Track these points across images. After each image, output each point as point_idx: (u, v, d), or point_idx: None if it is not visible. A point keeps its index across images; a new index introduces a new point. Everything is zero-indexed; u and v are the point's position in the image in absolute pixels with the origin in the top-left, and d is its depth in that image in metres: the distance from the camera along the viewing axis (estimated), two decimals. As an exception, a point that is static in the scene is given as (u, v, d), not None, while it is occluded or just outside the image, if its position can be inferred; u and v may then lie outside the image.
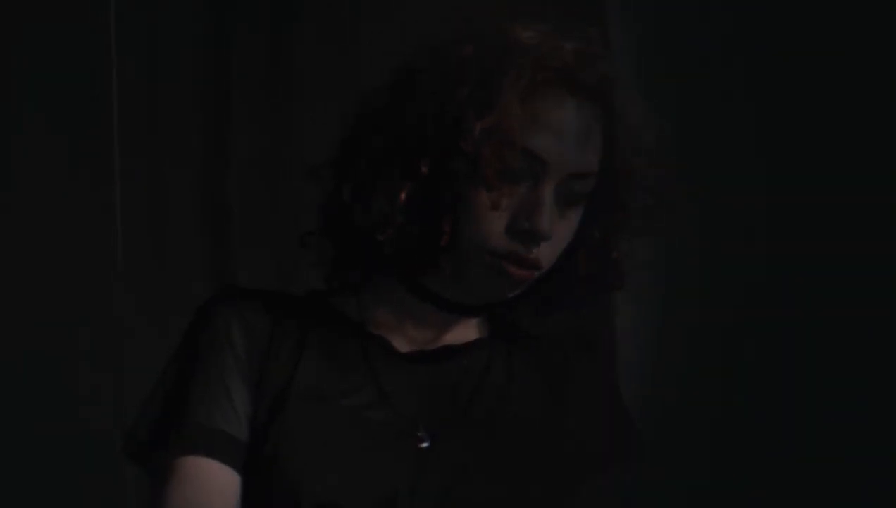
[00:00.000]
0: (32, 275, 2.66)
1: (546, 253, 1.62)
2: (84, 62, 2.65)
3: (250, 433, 1.62)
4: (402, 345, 1.69)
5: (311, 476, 1.58)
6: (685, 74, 2.10)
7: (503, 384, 1.72)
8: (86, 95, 2.65)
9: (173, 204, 2.75)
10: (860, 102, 2.17)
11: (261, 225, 2.70)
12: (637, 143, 1.64)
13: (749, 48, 2.14)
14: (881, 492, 2.10)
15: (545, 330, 1.75)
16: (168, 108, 2.73)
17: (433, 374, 1.69)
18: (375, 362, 1.67)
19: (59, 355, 2.65)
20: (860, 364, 2.13)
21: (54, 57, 2.65)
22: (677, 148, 1.70)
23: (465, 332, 1.73)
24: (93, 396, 2.64)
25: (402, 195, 1.60)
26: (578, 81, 1.60)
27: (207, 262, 2.74)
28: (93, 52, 2.65)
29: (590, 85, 1.61)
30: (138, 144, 2.72)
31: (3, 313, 2.65)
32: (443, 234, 1.60)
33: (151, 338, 2.53)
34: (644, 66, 2.05)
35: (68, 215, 2.66)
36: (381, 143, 1.62)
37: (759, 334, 2.14)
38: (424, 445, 1.64)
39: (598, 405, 1.75)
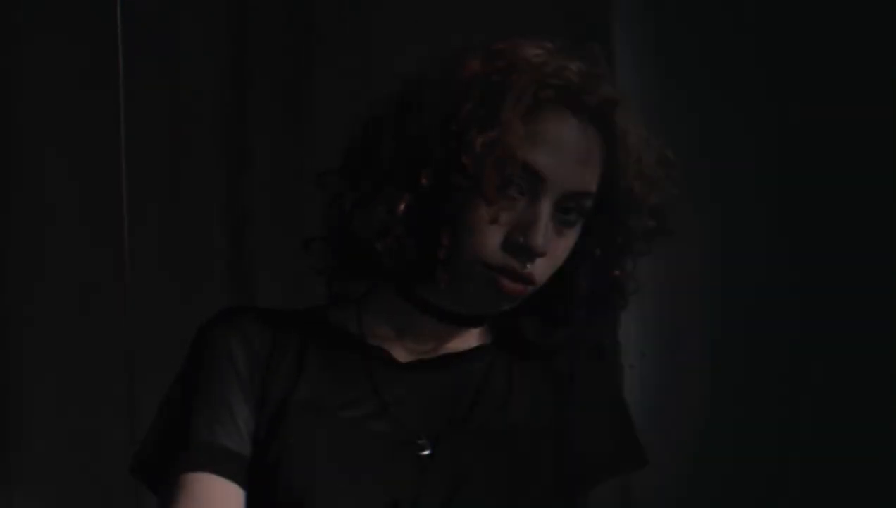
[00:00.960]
0: (45, 279, 2.67)
1: (540, 269, 1.64)
2: (97, 67, 2.67)
3: (253, 448, 1.65)
4: (401, 355, 1.71)
5: (314, 489, 1.61)
6: (687, 82, 2.12)
7: (504, 391, 1.73)
8: (98, 106, 2.67)
9: (191, 211, 2.76)
10: (861, 105, 2.18)
11: (280, 233, 2.72)
12: (638, 166, 1.65)
13: (755, 56, 2.16)
14: (881, 493, 2.12)
15: (549, 337, 1.76)
16: (186, 119, 2.74)
17: (433, 382, 1.71)
18: (375, 373, 1.69)
19: (71, 364, 2.67)
20: (861, 367, 2.15)
21: (63, 61, 2.66)
22: (680, 156, 1.72)
23: (466, 340, 1.75)
24: (108, 406, 2.65)
25: (402, 206, 1.62)
26: (581, 101, 1.62)
27: (226, 270, 2.76)
28: (106, 58, 2.67)
29: (592, 105, 1.62)
30: (153, 154, 2.74)
31: (17, 320, 2.67)
32: (440, 246, 1.62)
33: (168, 348, 2.54)
34: (646, 77, 2.07)
35: (81, 224, 2.68)
36: (383, 152, 1.64)
37: (762, 336, 2.16)
38: (426, 452, 1.66)
39: (600, 412, 1.77)
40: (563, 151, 1.62)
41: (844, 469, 2.15)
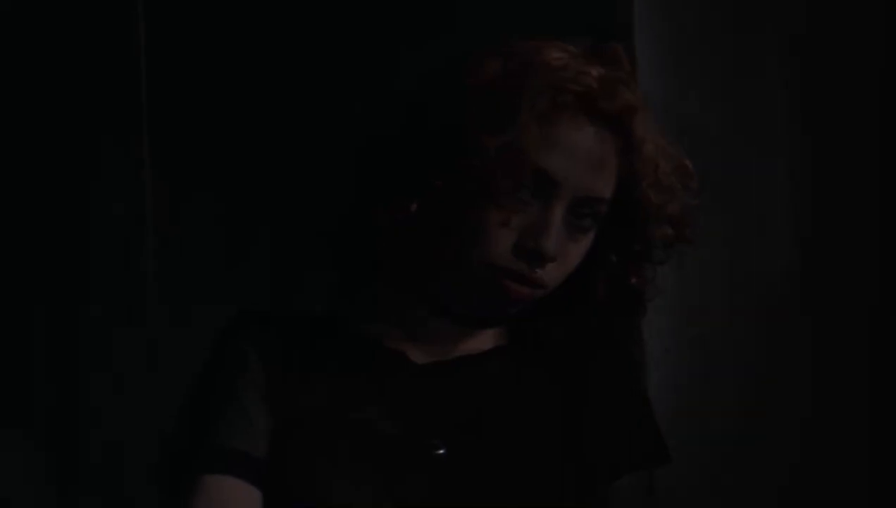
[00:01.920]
0: (65, 286, 2.68)
1: (551, 274, 1.63)
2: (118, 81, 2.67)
3: (268, 451, 1.66)
4: (417, 357, 1.71)
5: (329, 491, 1.62)
6: (705, 83, 2.12)
7: (520, 392, 1.73)
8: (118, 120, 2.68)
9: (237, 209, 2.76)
10: (883, 107, 2.17)
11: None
12: (654, 175, 1.65)
13: (775, 57, 2.15)
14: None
15: (566, 340, 1.76)
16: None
17: (449, 384, 1.70)
18: (391, 376, 1.69)
19: (90, 373, 2.68)
20: (884, 365, 2.15)
21: (85, 66, 2.67)
22: (700, 156, 1.71)
23: (482, 341, 1.74)
24: (128, 410, 2.67)
25: (413, 205, 1.62)
26: (598, 108, 1.61)
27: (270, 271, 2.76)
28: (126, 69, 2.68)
29: (609, 112, 1.61)
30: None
31: (36, 326, 2.68)
32: (450, 247, 1.62)
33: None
34: (665, 77, 2.07)
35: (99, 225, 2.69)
36: (395, 151, 1.64)
37: (782, 338, 2.16)
38: (440, 452, 1.66)
39: (620, 410, 1.76)
40: (577, 157, 1.61)
41: (866, 467, 2.15)
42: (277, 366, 1.69)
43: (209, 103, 2.70)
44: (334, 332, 1.73)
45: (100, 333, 2.67)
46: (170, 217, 2.70)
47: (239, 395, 1.67)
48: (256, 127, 2.67)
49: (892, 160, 2.17)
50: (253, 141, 2.69)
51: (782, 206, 2.17)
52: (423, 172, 1.62)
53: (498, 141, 1.58)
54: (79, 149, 2.68)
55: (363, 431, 1.66)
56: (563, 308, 1.72)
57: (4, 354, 2.68)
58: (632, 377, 1.83)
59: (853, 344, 2.16)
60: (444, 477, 1.65)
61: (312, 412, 1.67)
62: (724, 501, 2.14)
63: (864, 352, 2.16)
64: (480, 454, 1.67)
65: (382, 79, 2.31)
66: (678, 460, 1.83)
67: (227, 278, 2.69)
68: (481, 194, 1.60)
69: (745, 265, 2.17)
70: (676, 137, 1.70)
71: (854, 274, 2.18)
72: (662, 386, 2.12)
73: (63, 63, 2.66)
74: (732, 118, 2.15)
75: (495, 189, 1.59)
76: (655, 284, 1.73)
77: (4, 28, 2.63)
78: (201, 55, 2.71)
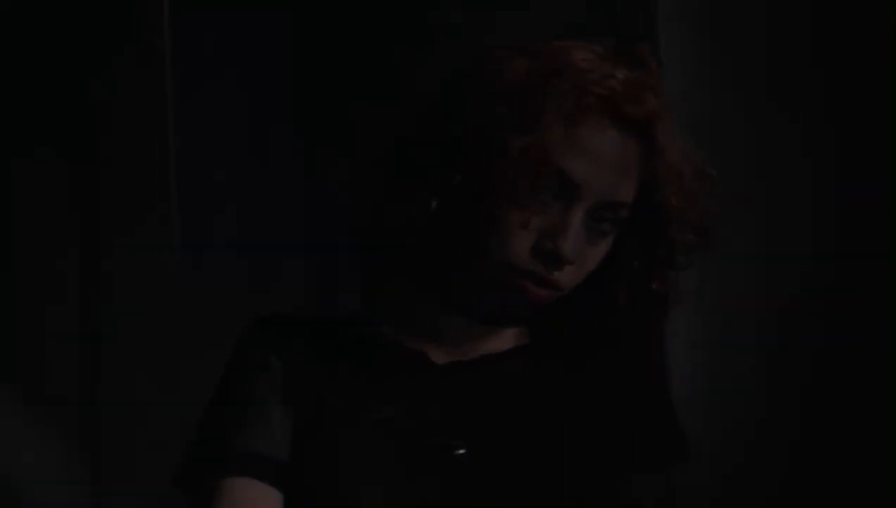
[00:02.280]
0: (92, 283, 2.70)
1: (568, 276, 1.63)
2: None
3: (290, 453, 1.66)
4: (438, 357, 1.71)
5: (349, 492, 1.62)
6: (730, 83, 2.11)
7: (542, 391, 1.73)
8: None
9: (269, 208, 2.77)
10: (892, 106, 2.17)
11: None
12: (678, 182, 1.64)
13: (793, 63, 2.14)
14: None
15: (586, 342, 1.76)
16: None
17: (470, 384, 1.70)
18: (411, 376, 1.69)
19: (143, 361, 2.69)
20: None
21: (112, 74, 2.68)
22: (726, 156, 1.71)
23: (503, 341, 1.74)
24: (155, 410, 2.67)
25: (433, 203, 1.62)
26: (623, 112, 1.60)
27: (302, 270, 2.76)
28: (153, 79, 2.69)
29: (633, 117, 1.61)
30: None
31: (62, 328, 2.69)
32: (469, 246, 1.62)
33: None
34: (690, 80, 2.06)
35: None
36: (418, 149, 1.64)
37: (804, 338, 2.16)
38: (461, 452, 1.66)
39: (642, 408, 1.76)
40: (600, 161, 1.61)
41: (891, 467, 2.15)
42: (297, 368, 1.70)
43: (232, 108, 2.71)
44: (354, 333, 1.73)
45: (120, 331, 2.69)
46: (195, 220, 2.71)
47: (259, 398, 1.68)
48: (281, 127, 2.68)
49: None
50: (276, 142, 2.70)
51: (804, 205, 2.16)
52: (445, 171, 1.61)
53: (521, 141, 1.58)
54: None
55: (383, 431, 1.66)
56: (585, 310, 1.73)
57: (25, 346, 2.69)
58: (653, 377, 1.82)
59: (878, 344, 2.16)
60: (464, 477, 1.65)
61: (333, 412, 1.67)
62: (744, 500, 2.14)
63: (889, 352, 2.16)
64: (501, 454, 1.67)
65: (405, 77, 2.31)
66: (698, 458, 1.83)
67: (255, 280, 2.70)
68: (502, 194, 1.60)
69: (766, 265, 2.17)
70: (695, 137, 1.70)
71: (878, 273, 2.18)
72: (683, 386, 2.12)
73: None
74: (754, 118, 2.14)
75: (516, 190, 1.59)
76: (678, 288, 1.73)
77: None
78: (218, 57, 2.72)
